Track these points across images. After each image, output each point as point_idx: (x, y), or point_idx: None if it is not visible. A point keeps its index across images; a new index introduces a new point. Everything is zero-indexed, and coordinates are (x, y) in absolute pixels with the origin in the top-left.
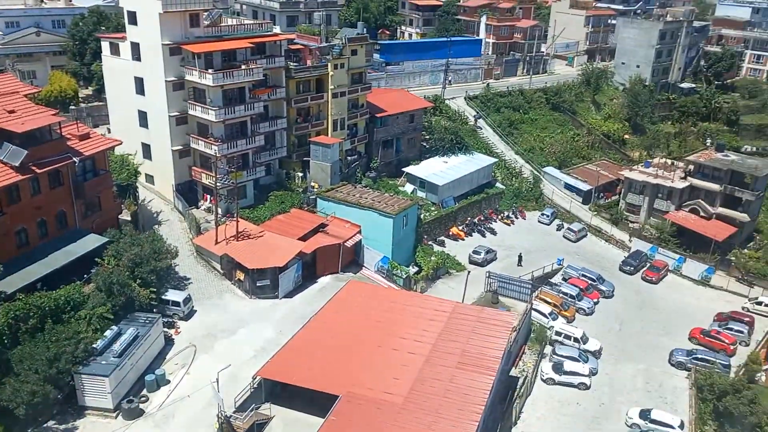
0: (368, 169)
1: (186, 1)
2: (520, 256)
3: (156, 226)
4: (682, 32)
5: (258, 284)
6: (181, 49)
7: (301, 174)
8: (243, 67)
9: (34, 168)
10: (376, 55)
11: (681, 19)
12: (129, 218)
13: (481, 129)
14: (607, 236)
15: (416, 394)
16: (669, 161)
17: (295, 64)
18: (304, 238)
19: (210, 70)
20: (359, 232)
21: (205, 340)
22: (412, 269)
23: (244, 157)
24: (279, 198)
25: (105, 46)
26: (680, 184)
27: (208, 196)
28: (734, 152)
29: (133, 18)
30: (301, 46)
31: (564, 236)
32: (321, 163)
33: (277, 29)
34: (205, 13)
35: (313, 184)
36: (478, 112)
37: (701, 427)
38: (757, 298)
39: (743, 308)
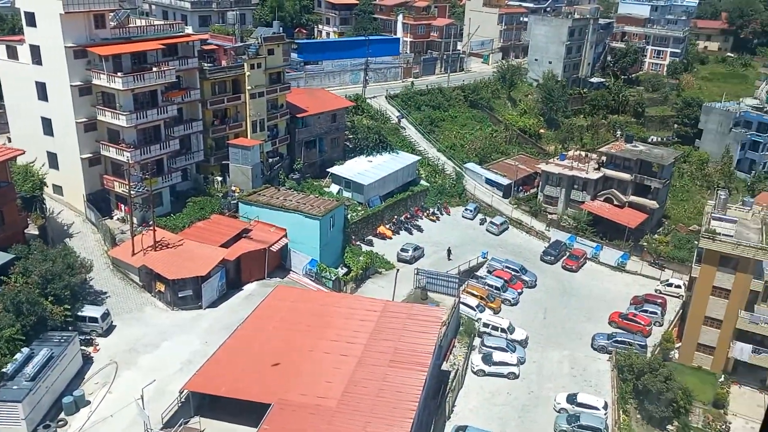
0: (291, 170)
1: (89, 0)
2: (449, 251)
3: (67, 240)
4: (589, 29)
5: (180, 295)
6: (86, 52)
7: (220, 178)
8: (154, 69)
9: None
10: (294, 55)
11: (588, 16)
12: (37, 232)
13: (405, 129)
14: (527, 228)
15: (350, 396)
16: (583, 153)
17: (209, 64)
18: (226, 245)
19: (119, 73)
20: (285, 235)
21: (127, 355)
22: (341, 270)
23: (159, 163)
24: (198, 204)
25: (0, 49)
26: (594, 175)
27: (122, 206)
28: (642, 143)
29: (31, 19)
30: (216, 47)
31: (487, 230)
32: (241, 166)
33: (189, 30)
34: (111, 14)
35: (233, 188)
36: (400, 112)
37: (623, 406)
38: (667, 280)
39: (656, 290)
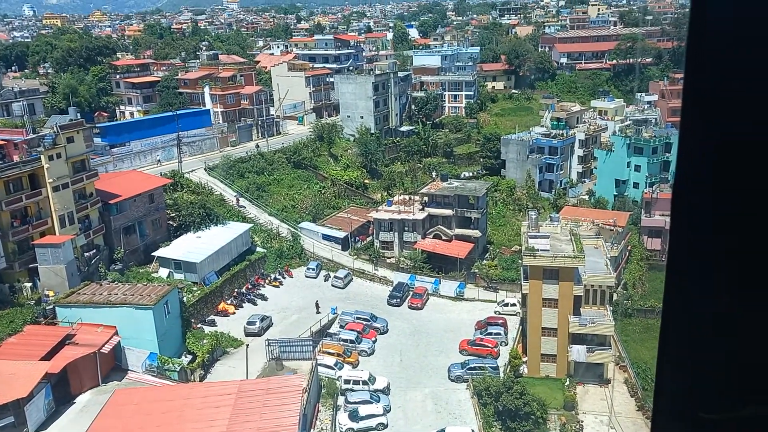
0: (112, 261)
1: None
2: (316, 303)
3: None
4: (391, 82)
5: (0, 425)
6: None
7: (29, 284)
8: None
9: None
10: (98, 139)
11: (387, 71)
12: None
13: (244, 207)
14: (371, 276)
15: None
16: (407, 197)
17: None
18: (48, 357)
19: None
20: (116, 333)
21: None
22: (185, 359)
23: None
24: (6, 318)
25: None
26: (420, 215)
27: None
28: (456, 179)
29: None
30: (4, 142)
31: (332, 285)
32: (52, 266)
33: None
34: None
35: (47, 292)
36: (238, 192)
37: (488, 431)
38: (503, 301)
39: (495, 312)
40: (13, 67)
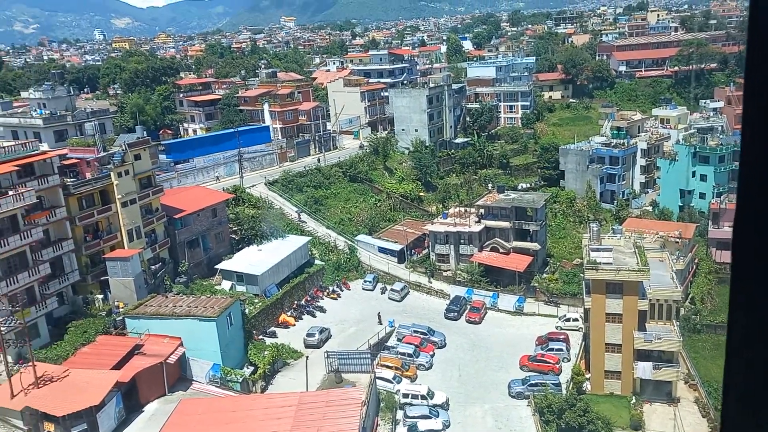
0: (177, 274)
1: None
2: (378, 315)
3: None
4: (445, 95)
5: (74, 431)
6: None
7: (101, 296)
8: (11, 192)
9: None
10: (163, 156)
11: (441, 83)
12: None
13: (305, 222)
14: (427, 289)
15: None
16: (462, 209)
17: (72, 179)
18: (118, 366)
19: None
20: (181, 344)
21: None
22: (247, 370)
23: (30, 291)
24: (80, 328)
25: None
26: (476, 228)
27: None
28: (513, 191)
29: None
30: (77, 160)
31: (389, 298)
32: (122, 279)
33: (44, 146)
34: None
35: (117, 303)
36: (299, 207)
37: None
38: (565, 316)
39: (557, 327)
40: (85, 89)
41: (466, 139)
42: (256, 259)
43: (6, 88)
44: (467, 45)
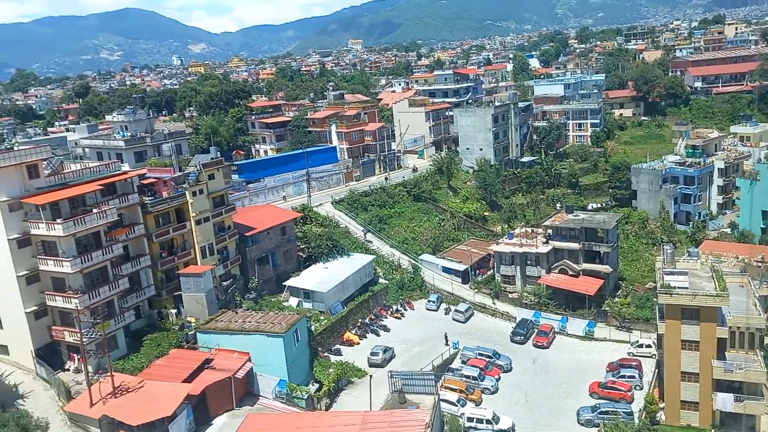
0: (247, 290)
1: (20, 155)
2: (445, 336)
3: (19, 401)
4: (511, 113)
5: None
6: (22, 203)
7: (174, 311)
8: (94, 210)
9: None
10: (235, 176)
11: (507, 102)
12: None
13: (371, 242)
14: (492, 311)
15: None
16: (529, 229)
17: (150, 198)
18: (189, 379)
19: (58, 220)
20: (249, 359)
21: None
22: (313, 387)
23: (109, 305)
24: (154, 341)
25: None
26: (544, 249)
27: (75, 356)
28: (582, 211)
29: None
30: (155, 180)
31: (453, 319)
32: (194, 294)
33: (125, 167)
34: (44, 163)
35: (189, 318)
36: (365, 227)
37: None
38: (637, 342)
39: (629, 354)
40: (163, 112)
41: (532, 158)
42: (322, 277)
43: (92, 112)
44: (534, 63)
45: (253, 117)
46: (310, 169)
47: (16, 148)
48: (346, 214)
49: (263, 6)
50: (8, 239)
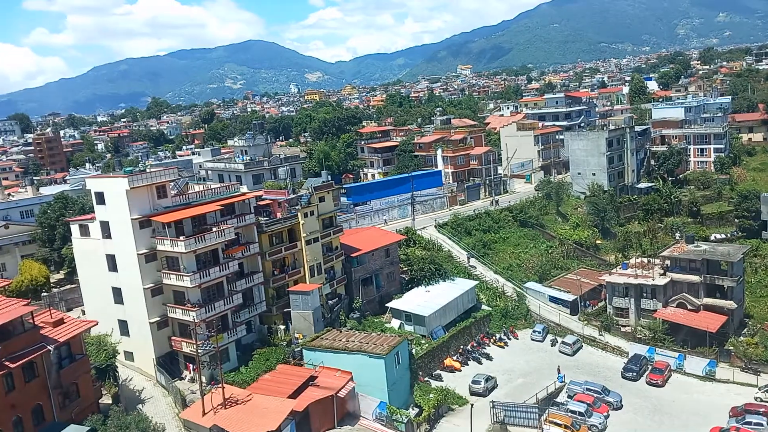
0: (351, 310)
1: (151, 176)
2: (558, 369)
3: (140, 406)
4: (627, 137)
5: None
6: (150, 221)
7: (283, 327)
8: (214, 229)
9: (7, 363)
10: (344, 198)
11: (623, 126)
12: (110, 401)
13: (475, 267)
14: (602, 344)
15: None
16: (645, 260)
17: (265, 218)
18: (294, 395)
19: (181, 237)
20: (351, 379)
21: None
22: (413, 411)
23: (224, 319)
24: (263, 356)
25: (74, 228)
26: (661, 281)
27: (191, 365)
28: (704, 242)
29: (101, 198)
30: (270, 201)
31: (560, 351)
32: (302, 311)
33: (244, 188)
34: (172, 184)
35: (296, 335)
36: (469, 252)
37: None
38: (766, 386)
39: (756, 399)
40: (280, 137)
41: (650, 184)
42: (424, 300)
43: (216, 137)
44: (652, 86)
45: (362, 142)
46: (415, 193)
47: (148, 170)
48: (450, 238)
49: (376, 36)
50: (138, 254)
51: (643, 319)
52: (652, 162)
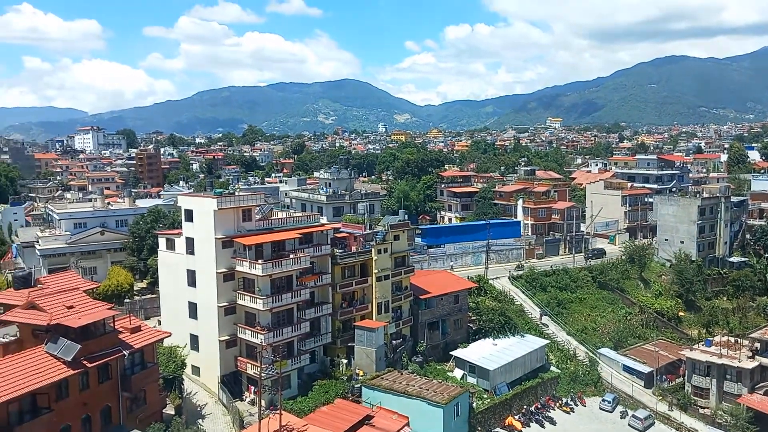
0: (414, 353)
1: (239, 199)
2: None
3: (200, 421)
4: (721, 207)
5: None
6: (233, 242)
7: (345, 361)
8: (291, 256)
9: (85, 362)
10: (418, 239)
11: (718, 194)
12: (173, 412)
13: (547, 326)
14: (676, 424)
15: None
16: (732, 339)
17: (340, 250)
18: None
19: (260, 261)
20: (407, 424)
21: None
22: None
23: (290, 345)
24: (323, 387)
25: (161, 241)
26: (749, 364)
27: (252, 388)
28: None
29: (189, 215)
30: (347, 234)
31: (630, 425)
32: (366, 348)
33: (323, 220)
34: (257, 209)
35: (357, 371)
36: (543, 309)
37: None
38: None
39: None
40: (363, 173)
41: (743, 259)
42: (490, 353)
43: (304, 167)
44: (754, 155)
45: (442, 185)
46: (491, 241)
47: (237, 194)
48: (523, 292)
49: (466, 83)
50: (217, 272)
51: (725, 402)
52: (748, 236)
